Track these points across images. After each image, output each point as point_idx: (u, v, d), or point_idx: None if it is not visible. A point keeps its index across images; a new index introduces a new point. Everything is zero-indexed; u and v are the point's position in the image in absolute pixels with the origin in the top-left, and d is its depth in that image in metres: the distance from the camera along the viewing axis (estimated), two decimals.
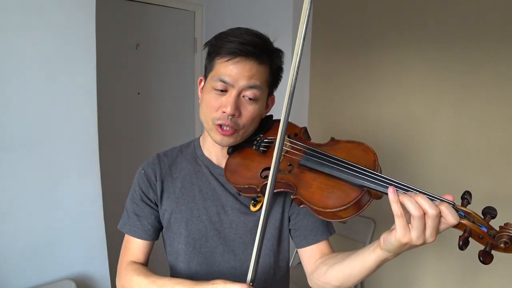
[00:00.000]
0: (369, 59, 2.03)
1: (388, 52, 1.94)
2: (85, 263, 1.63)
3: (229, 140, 0.81)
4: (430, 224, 0.55)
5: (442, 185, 1.74)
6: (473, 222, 0.56)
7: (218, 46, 0.78)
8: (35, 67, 1.43)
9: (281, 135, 0.65)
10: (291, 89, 0.64)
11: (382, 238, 0.62)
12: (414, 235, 0.56)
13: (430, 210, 0.54)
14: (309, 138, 0.86)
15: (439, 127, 1.76)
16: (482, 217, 0.58)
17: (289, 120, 0.93)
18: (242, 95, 0.78)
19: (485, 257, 0.55)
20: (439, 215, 0.55)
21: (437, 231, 0.56)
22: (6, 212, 1.42)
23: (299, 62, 0.62)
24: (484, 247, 0.56)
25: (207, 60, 0.83)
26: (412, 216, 0.55)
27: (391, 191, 0.57)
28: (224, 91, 0.78)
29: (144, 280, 0.78)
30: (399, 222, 0.56)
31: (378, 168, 0.68)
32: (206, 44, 0.83)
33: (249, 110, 0.79)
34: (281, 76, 0.87)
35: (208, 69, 0.82)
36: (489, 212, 0.58)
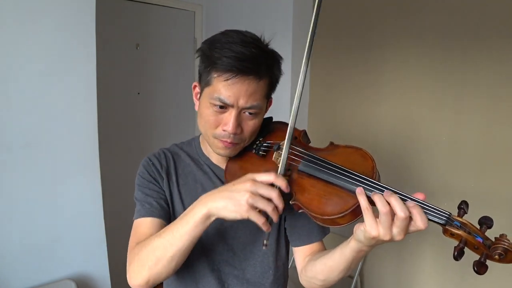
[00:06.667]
0: (369, 61, 2.04)
1: (387, 54, 1.94)
2: (85, 263, 1.63)
3: (231, 152, 0.82)
4: (398, 224, 0.57)
5: (442, 185, 1.74)
6: (469, 233, 0.57)
7: (213, 61, 0.74)
8: (35, 67, 1.43)
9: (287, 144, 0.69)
10: (296, 110, 0.68)
11: (354, 228, 0.64)
12: (381, 231, 0.58)
13: (400, 212, 0.56)
14: (308, 141, 0.86)
15: (439, 128, 1.76)
16: (478, 227, 0.58)
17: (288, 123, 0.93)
18: (242, 112, 0.77)
19: (480, 268, 0.55)
20: (408, 218, 0.57)
21: (405, 231, 0.58)
22: (6, 212, 1.42)
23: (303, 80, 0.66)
24: (479, 257, 0.56)
25: (203, 70, 0.79)
26: (379, 212, 0.57)
27: (358, 191, 0.61)
28: (223, 107, 0.76)
29: (160, 235, 0.70)
30: (366, 214, 0.59)
31: (376, 174, 0.68)
32: (198, 51, 0.79)
33: (250, 125, 0.79)
34: (278, 82, 0.85)
35: (203, 79, 0.79)
36: (485, 222, 0.58)
